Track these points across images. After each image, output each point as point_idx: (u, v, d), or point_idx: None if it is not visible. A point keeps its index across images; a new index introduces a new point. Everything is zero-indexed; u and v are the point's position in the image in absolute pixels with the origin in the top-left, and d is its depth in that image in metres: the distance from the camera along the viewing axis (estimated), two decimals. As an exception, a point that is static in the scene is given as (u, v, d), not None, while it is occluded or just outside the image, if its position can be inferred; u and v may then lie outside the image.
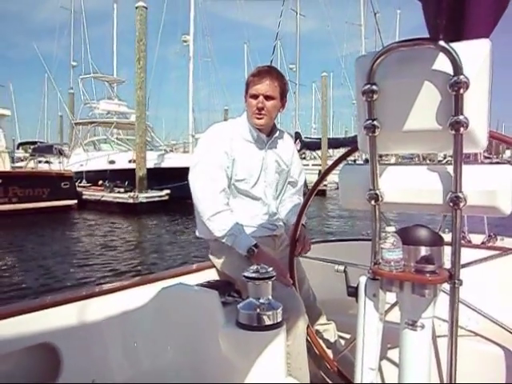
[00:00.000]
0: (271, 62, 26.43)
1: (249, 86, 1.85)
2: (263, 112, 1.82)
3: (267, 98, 1.81)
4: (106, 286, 1.58)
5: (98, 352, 1.45)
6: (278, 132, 1.95)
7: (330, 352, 1.85)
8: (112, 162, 17.08)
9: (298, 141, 23.88)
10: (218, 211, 1.74)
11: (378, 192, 1.20)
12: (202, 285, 1.69)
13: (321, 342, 1.85)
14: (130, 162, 16.04)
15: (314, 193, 1.73)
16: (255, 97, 1.82)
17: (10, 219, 11.27)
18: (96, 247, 9.00)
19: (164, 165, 15.75)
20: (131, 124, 19.81)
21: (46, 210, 12.81)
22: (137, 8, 14.45)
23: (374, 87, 1.08)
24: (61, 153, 17.29)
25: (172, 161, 15.57)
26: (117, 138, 21.37)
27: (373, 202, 1.21)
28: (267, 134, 1.91)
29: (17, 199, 12.77)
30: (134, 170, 14.86)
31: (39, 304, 1.36)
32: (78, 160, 18.16)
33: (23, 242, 9.14)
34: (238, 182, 1.84)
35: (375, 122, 1.11)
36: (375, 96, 1.09)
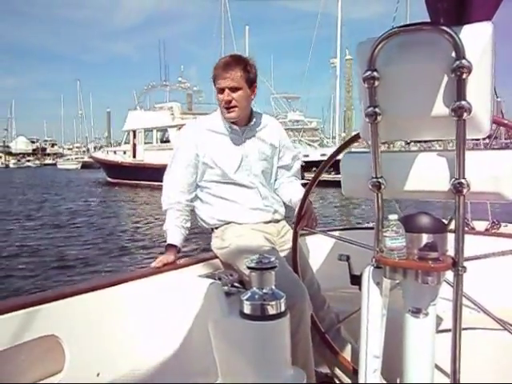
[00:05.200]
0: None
1: (214, 80, 1.83)
2: (232, 104, 1.80)
3: (232, 89, 1.79)
4: (110, 279, 1.58)
5: (103, 345, 1.46)
6: (255, 119, 1.93)
7: (333, 340, 1.86)
8: (306, 156, 23.09)
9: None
10: (166, 209, 1.91)
11: (380, 180, 1.19)
12: (205, 275, 1.69)
13: (325, 330, 1.86)
14: (321, 155, 22.52)
15: (322, 173, 1.72)
16: (221, 91, 1.81)
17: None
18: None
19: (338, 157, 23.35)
20: (314, 129, 35.68)
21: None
22: (347, 60, 25.81)
23: (375, 73, 1.06)
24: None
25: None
26: (301, 140, 31.50)
27: (375, 190, 1.20)
28: (244, 124, 1.90)
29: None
30: (323, 161, 19.94)
31: (45, 297, 1.37)
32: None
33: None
34: (218, 174, 1.88)
35: (377, 109, 1.10)
36: (376, 82, 1.07)
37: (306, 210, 1.80)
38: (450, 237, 1.15)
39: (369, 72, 1.06)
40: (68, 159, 66.93)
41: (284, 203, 2.04)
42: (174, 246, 1.83)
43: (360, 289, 1.25)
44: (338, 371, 1.82)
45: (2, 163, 69.32)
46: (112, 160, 27.42)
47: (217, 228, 1.92)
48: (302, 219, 1.79)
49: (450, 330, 1.18)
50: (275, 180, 2.05)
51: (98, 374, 1.39)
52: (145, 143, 25.82)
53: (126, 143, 27.77)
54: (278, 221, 1.98)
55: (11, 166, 68.24)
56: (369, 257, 1.24)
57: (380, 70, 1.06)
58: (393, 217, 1.12)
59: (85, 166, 57.32)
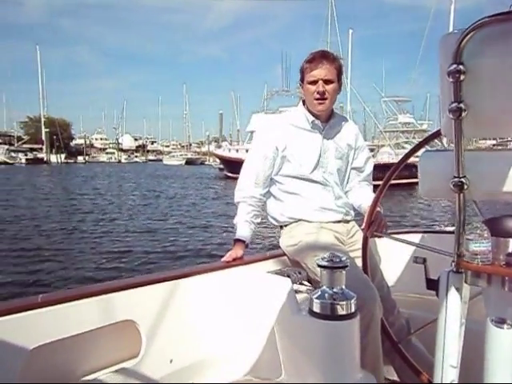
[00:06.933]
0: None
1: (304, 72, 1.84)
2: (325, 96, 1.81)
3: (326, 82, 1.80)
4: (184, 271, 1.65)
5: (175, 332, 1.52)
6: (335, 117, 1.94)
7: (404, 347, 1.78)
8: (417, 157, 24.85)
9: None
10: (238, 201, 1.94)
11: (463, 180, 1.12)
12: (274, 272, 1.70)
13: (395, 336, 1.79)
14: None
15: (394, 175, 1.64)
16: (314, 83, 1.81)
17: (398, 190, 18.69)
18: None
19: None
20: (423, 131, 34.63)
21: (405, 184, 18.40)
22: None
23: (461, 67, 1.00)
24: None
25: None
26: (411, 141, 31.71)
27: (457, 191, 1.14)
28: (325, 120, 1.91)
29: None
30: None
31: (125, 284, 1.45)
32: (387, 156, 28.19)
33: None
34: (295, 168, 1.88)
35: (461, 105, 1.04)
36: (462, 77, 1.01)
37: (375, 216, 1.74)
38: None
39: (454, 65, 1.01)
40: (173, 156, 74.08)
41: (353, 207, 2.01)
42: (243, 241, 1.86)
43: (437, 294, 1.19)
44: (409, 380, 1.75)
45: (115, 158, 78.53)
46: (235, 157, 30.78)
47: (286, 225, 1.92)
48: (371, 225, 1.73)
49: None
50: (347, 183, 2.03)
51: (171, 361, 1.45)
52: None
53: (248, 143, 31.75)
54: (347, 221, 1.95)
55: (123, 161, 77.35)
56: (442, 261, 1.18)
57: (466, 63, 1.00)
58: (477, 219, 1.05)
59: (188, 162, 65.10)
